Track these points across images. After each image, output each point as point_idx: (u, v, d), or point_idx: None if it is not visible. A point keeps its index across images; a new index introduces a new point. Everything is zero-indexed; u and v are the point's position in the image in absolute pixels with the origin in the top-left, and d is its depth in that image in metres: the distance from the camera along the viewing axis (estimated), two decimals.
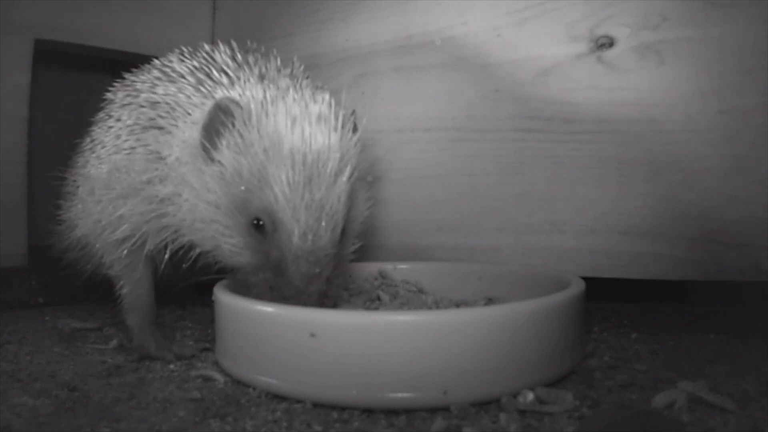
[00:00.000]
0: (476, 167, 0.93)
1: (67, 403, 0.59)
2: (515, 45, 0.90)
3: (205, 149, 0.68)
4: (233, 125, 0.67)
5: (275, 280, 0.65)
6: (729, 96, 0.77)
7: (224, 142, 0.67)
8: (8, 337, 0.82)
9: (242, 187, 0.66)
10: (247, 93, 0.70)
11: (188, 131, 0.71)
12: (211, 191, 0.67)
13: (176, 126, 0.72)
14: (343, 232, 0.69)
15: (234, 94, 0.71)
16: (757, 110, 0.76)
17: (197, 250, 0.73)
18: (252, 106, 0.68)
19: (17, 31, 1.03)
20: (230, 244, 0.68)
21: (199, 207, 0.68)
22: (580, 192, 0.86)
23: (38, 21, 1.05)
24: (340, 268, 0.70)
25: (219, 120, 0.67)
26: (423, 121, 0.97)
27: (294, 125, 0.66)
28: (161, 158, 0.72)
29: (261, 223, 0.66)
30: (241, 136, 0.66)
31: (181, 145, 0.71)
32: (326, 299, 0.66)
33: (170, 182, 0.71)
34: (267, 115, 0.67)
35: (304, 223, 0.64)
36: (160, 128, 0.74)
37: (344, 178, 0.67)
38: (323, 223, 0.65)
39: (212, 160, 0.68)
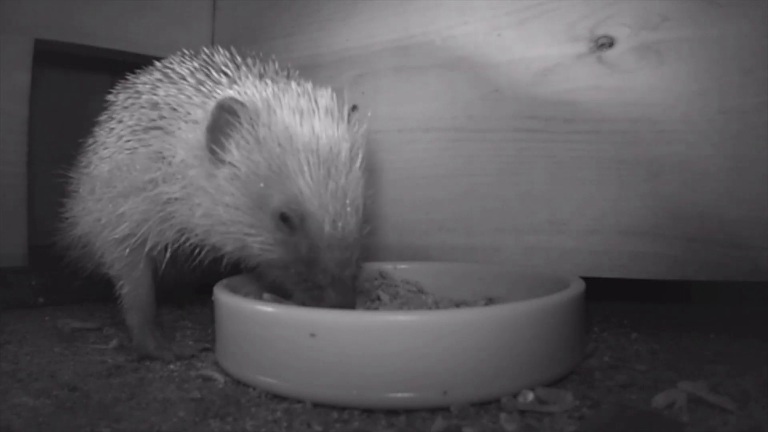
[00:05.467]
0: (476, 167, 0.93)
1: (67, 403, 0.59)
2: (515, 45, 0.90)
3: (212, 152, 0.68)
4: (240, 124, 0.67)
5: (309, 272, 0.66)
6: (729, 96, 0.77)
7: (233, 143, 0.67)
8: (8, 337, 0.82)
9: (261, 185, 0.66)
10: (248, 91, 0.70)
11: (190, 132, 0.71)
12: (228, 193, 0.67)
13: (178, 127, 0.72)
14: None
15: (234, 92, 0.71)
16: (757, 110, 0.76)
17: (202, 250, 0.73)
18: (257, 103, 0.68)
19: (17, 31, 1.03)
20: (259, 241, 0.68)
21: (217, 210, 0.68)
22: (580, 192, 0.86)
23: (38, 21, 1.05)
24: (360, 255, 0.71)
25: (223, 120, 0.67)
26: (423, 121, 0.97)
27: (303, 119, 0.67)
28: (163, 158, 0.72)
29: (286, 215, 0.66)
30: (251, 134, 0.67)
31: (184, 147, 0.71)
32: (357, 282, 0.68)
33: (176, 183, 0.71)
34: (274, 111, 0.67)
35: (333, 211, 0.65)
36: (162, 129, 0.74)
37: (357, 165, 0.68)
38: (348, 209, 0.66)
39: (222, 162, 0.68)
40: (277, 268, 0.69)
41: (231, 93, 0.70)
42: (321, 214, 0.65)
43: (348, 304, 0.65)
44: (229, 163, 0.67)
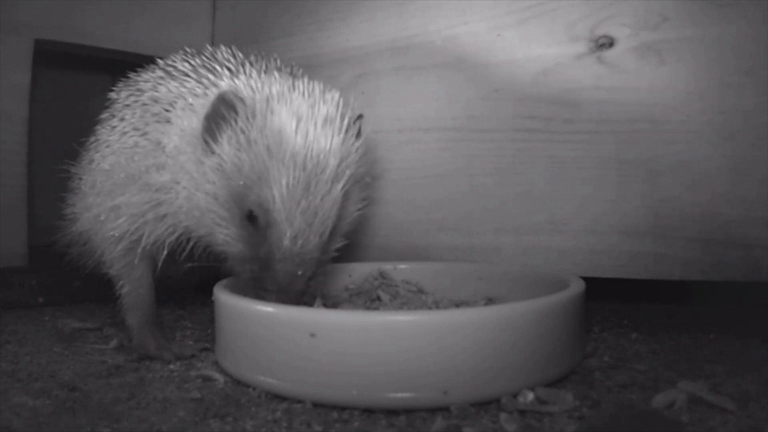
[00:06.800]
0: (476, 167, 0.93)
1: (67, 403, 0.59)
2: (515, 45, 0.90)
3: (205, 140, 0.69)
4: (235, 121, 0.67)
5: (260, 273, 0.67)
6: (729, 96, 0.77)
7: (225, 137, 0.68)
8: (8, 337, 0.82)
9: (241, 182, 0.67)
10: (253, 85, 0.71)
11: (187, 120, 0.72)
12: (210, 182, 0.68)
13: (176, 115, 0.73)
14: (331, 232, 0.70)
15: (238, 85, 0.71)
16: (757, 110, 0.76)
17: (194, 242, 0.74)
18: (256, 102, 0.68)
19: (17, 31, 1.03)
20: (224, 233, 0.69)
21: (197, 196, 0.69)
22: (580, 192, 0.86)
23: (38, 21, 1.05)
24: (321, 267, 0.71)
25: (221, 113, 0.68)
26: (423, 121, 0.97)
27: (299, 125, 0.67)
28: (161, 147, 0.73)
29: (255, 215, 0.67)
30: (243, 132, 0.67)
31: (180, 134, 0.72)
32: (305, 296, 0.68)
33: (168, 170, 0.72)
34: (272, 112, 0.67)
35: (297, 227, 0.66)
36: (162, 121, 0.75)
37: (340, 185, 0.68)
38: (314, 229, 0.67)
39: (212, 152, 0.68)
40: (235, 261, 0.70)
41: (234, 85, 0.71)
42: (284, 227, 0.65)
43: None
44: (218, 154, 0.68)
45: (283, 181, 0.65)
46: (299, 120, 0.67)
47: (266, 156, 0.66)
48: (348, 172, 0.69)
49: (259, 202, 0.66)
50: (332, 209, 0.68)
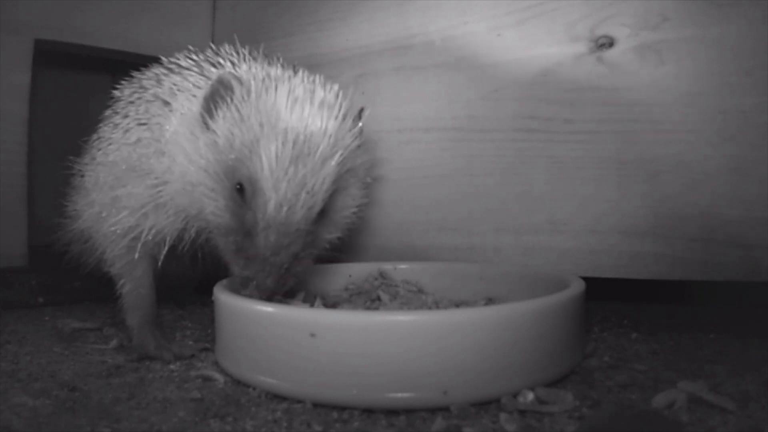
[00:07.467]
0: (476, 167, 0.93)
1: (67, 403, 0.59)
2: (515, 45, 0.90)
3: (202, 118, 0.70)
4: (232, 99, 0.69)
5: (243, 242, 0.67)
6: (729, 96, 0.77)
7: (221, 114, 0.69)
8: (8, 337, 0.82)
9: (232, 156, 0.67)
10: (252, 70, 0.73)
11: (187, 105, 0.73)
12: (203, 157, 0.69)
13: (179, 104, 0.74)
14: (324, 215, 0.70)
15: (238, 71, 0.73)
16: (757, 110, 0.76)
17: (194, 233, 0.74)
18: (252, 82, 0.69)
19: (17, 31, 1.03)
20: (213, 206, 0.69)
21: (190, 171, 0.70)
22: (580, 192, 0.86)
23: (38, 21, 1.05)
24: (310, 250, 0.71)
25: (219, 93, 0.69)
26: (423, 121, 0.97)
27: (294, 105, 0.68)
28: (163, 135, 0.74)
29: (243, 187, 0.67)
30: (238, 109, 0.68)
31: (179, 118, 0.73)
32: (287, 276, 0.67)
33: (167, 155, 0.72)
34: (267, 91, 0.69)
35: (283, 195, 0.65)
36: (165, 112, 0.75)
37: (332, 162, 0.68)
38: (301, 200, 0.66)
39: (207, 128, 0.69)
40: (221, 235, 0.70)
41: (232, 70, 0.73)
42: (270, 194, 0.65)
43: (261, 285, 0.65)
44: (213, 130, 0.69)
45: (272, 149, 0.65)
46: (295, 100, 0.68)
47: (259, 130, 0.66)
48: (340, 154, 0.69)
49: (248, 172, 0.66)
50: (323, 185, 0.67)
